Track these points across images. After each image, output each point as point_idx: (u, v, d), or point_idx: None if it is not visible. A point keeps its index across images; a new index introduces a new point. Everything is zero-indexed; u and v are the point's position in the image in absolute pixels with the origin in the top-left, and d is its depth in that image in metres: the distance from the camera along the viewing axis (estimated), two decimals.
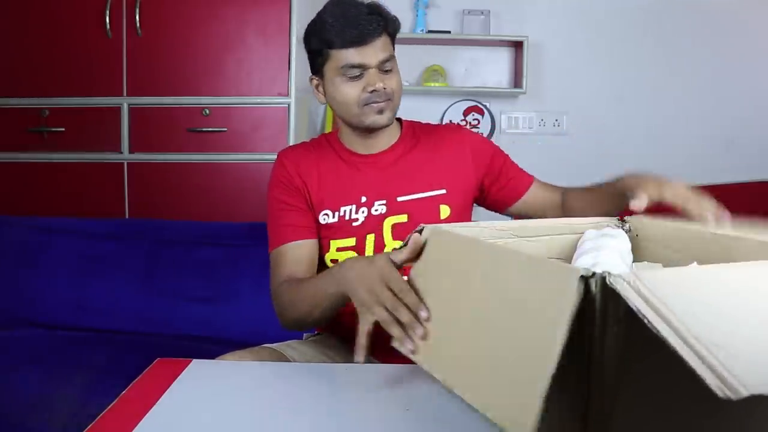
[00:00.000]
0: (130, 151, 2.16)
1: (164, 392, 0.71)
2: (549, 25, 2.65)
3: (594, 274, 0.46)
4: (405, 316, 0.70)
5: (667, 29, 2.65)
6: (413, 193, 1.11)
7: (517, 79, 2.63)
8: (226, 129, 2.16)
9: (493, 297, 0.59)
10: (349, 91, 1.05)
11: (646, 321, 0.40)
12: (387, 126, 1.10)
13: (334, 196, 1.10)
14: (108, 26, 2.09)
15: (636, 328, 0.42)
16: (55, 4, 2.13)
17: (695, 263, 0.74)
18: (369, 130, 1.10)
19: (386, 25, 1.06)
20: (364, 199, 1.10)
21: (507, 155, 1.22)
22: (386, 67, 1.06)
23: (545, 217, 1.07)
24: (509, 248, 0.62)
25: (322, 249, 1.11)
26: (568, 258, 0.87)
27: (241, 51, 2.15)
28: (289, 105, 2.15)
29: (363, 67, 1.04)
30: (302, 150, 1.16)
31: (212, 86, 2.15)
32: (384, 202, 1.09)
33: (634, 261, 0.85)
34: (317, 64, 1.09)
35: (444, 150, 1.15)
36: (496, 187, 1.18)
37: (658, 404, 0.50)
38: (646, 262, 0.83)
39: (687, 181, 0.86)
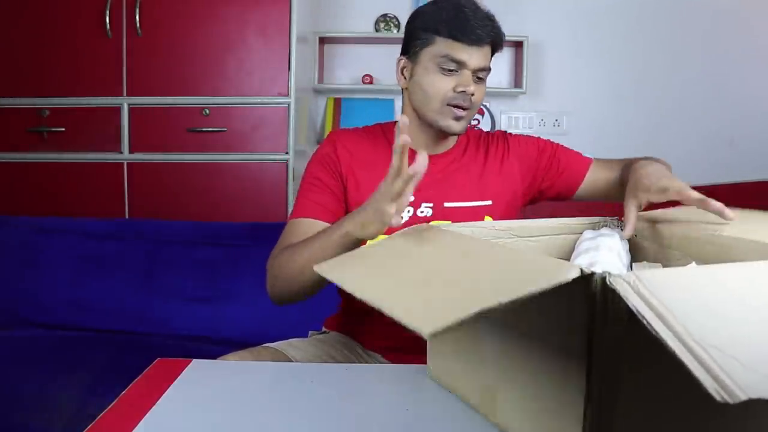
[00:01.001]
0: (130, 151, 2.16)
1: (164, 392, 0.71)
2: (549, 25, 2.65)
3: (594, 273, 0.46)
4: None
5: (667, 29, 2.65)
6: (460, 201, 1.10)
7: (517, 79, 2.63)
8: (226, 129, 2.16)
9: (484, 263, 0.58)
10: (440, 84, 1.03)
11: (645, 322, 0.40)
12: (456, 135, 1.10)
13: None
14: (108, 26, 2.09)
15: (636, 328, 0.42)
16: (55, 4, 2.13)
17: (694, 263, 0.74)
18: (439, 133, 1.09)
19: (495, 37, 1.05)
20: (411, 198, 1.09)
21: (557, 146, 1.19)
22: (480, 75, 1.06)
23: (612, 198, 1.09)
24: (509, 247, 0.62)
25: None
26: (567, 258, 0.87)
27: (241, 51, 2.15)
28: (289, 105, 2.15)
29: (461, 65, 1.02)
30: (356, 137, 1.12)
31: (212, 86, 2.15)
32: (431, 205, 1.08)
33: (633, 261, 0.85)
34: (414, 46, 1.06)
35: (493, 160, 1.15)
36: (547, 184, 1.17)
37: (659, 404, 0.50)
38: (645, 263, 0.83)
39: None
